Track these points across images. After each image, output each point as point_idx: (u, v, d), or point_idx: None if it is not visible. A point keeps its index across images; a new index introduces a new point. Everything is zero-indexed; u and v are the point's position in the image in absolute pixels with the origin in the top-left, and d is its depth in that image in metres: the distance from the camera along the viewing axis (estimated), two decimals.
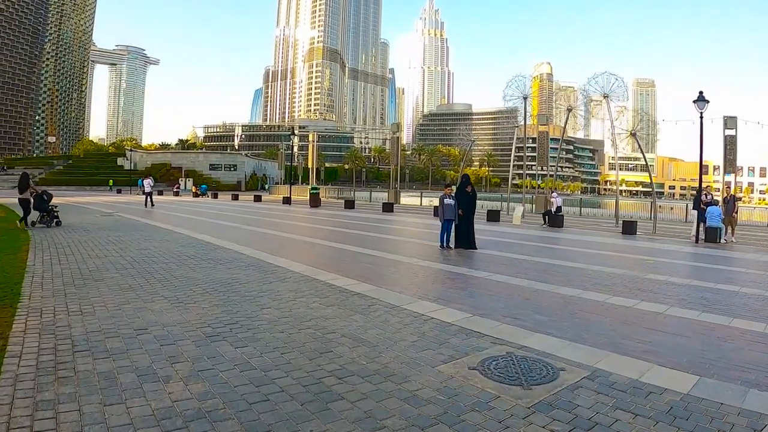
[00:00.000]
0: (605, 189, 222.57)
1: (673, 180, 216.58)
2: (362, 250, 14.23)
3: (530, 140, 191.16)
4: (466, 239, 14.82)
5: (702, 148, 20.99)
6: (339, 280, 9.61)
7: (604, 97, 27.42)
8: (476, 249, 14.53)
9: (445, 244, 14.82)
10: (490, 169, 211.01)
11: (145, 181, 36.67)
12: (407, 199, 51.71)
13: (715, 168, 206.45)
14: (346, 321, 6.55)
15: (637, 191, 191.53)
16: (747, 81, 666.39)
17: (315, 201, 37.49)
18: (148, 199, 33.72)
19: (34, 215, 18.52)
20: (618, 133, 27.77)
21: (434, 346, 5.57)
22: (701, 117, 20.39)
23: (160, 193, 58.82)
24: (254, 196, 46.48)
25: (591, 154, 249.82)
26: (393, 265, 11.86)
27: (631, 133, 27.19)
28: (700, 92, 20.75)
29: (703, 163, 22.83)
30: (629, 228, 21.80)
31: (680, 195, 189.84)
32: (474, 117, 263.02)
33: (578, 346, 5.66)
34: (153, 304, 7.18)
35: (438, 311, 7.17)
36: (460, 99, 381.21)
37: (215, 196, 50.58)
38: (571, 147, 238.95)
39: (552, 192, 27.48)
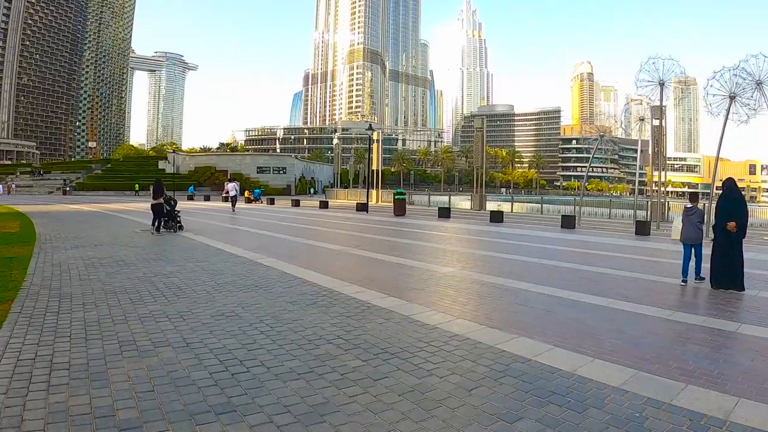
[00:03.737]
0: (654, 191, 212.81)
1: (720, 180, 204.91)
2: (579, 296, 8.94)
3: (574, 140, 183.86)
4: (730, 273, 9.55)
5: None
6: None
7: (731, 97, 20.78)
8: (743, 290, 9.39)
9: (687, 277, 10.15)
10: (539, 171, 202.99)
11: (230, 185, 36.91)
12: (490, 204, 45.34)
13: (763, 168, 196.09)
14: None
15: (683, 192, 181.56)
16: None
17: (401, 208, 31.61)
18: (232, 203, 34.97)
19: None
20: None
21: None
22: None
23: (207, 198, 53.71)
24: (320, 202, 40.85)
25: (636, 155, 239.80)
26: (640, 322, 7.13)
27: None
28: None
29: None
30: None
31: None
32: (516, 118, 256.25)
33: None
34: None
35: None
36: (499, 100, 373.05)
37: (272, 202, 45.16)
38: (616, 147, 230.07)
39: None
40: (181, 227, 19.12)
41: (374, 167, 50.91)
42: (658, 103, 26.81)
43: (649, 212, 31.40)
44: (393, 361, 5.25)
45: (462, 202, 49.06)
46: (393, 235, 19.31)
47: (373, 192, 50.08)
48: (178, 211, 19.53)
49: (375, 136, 49.06)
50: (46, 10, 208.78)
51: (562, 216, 26.01)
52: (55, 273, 10.14)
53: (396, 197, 32.33)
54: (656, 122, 28.15)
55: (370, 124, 36.39)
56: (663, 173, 30.66)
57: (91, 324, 6.49)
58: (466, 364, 5.17)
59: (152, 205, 18.78)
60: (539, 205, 41.50)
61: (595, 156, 35.62)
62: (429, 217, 30.17)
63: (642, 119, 31.64)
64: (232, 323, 6.65)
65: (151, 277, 9.88)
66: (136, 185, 73.21)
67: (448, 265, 12.15)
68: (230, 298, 8.19)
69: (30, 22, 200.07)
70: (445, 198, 50.23)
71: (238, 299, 8.14)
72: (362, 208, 35.23)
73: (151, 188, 19.45)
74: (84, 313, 7.10)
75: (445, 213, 30.94)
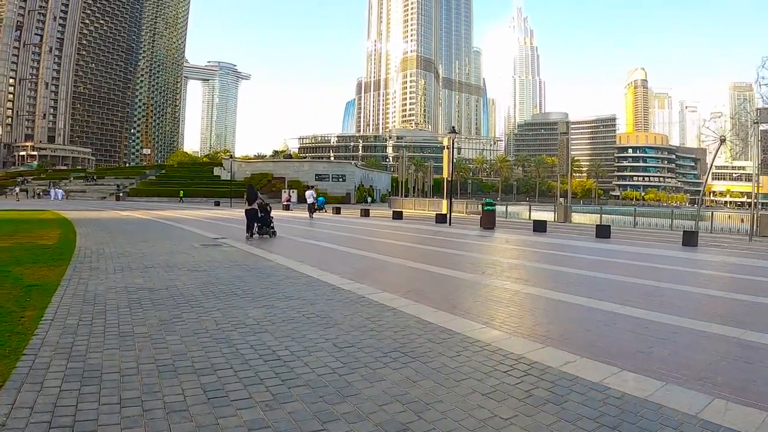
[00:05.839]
0: (712, 201, 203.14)
1: None
2: None
3: (630, 149, 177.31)
4: None
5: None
6: None
7: None
8: None
9: None
10: (598, 180, 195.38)
11: (307, 192, 36.76)
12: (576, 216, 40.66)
13: None
14: None
15: (742, 202, 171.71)
16: None
17: (489, 220, 27.41)
18: (310, 211, 34.99)
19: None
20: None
21: None
22: None
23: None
24: (393, 212, 37.05)
25: (693, 163, 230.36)
26: None
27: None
28: None
29: None
30: None
31: None
32: (571, 126, 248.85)
33: None
34: None
35: None
36: (551, 108, 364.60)
37: (338, 212, 41.55)
38: (673, 156, 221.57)
39: None
40: (274, 233, 19.07)
41: (446, 176, 47.06)
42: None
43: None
44: None
45: (534, 213, 44.37)
46: (523, 258, 15.13)
47: (443, 201, 46.19)
48: (272, 217, 19.36)
49: (446, 142, 45.17)
50: (101, 21, 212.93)
51: (684, 232, 21.69)
52: (84, 318, 6.56)
53: (485, 208, 28.17)
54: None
55: (453, 127, 32.51)
56: None
57: None
58: None
59: (246, 210, 18.75)
60: (632, 217, 36.79)
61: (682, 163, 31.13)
62: (523, 232, 25.89)
63: (723, 139, 28.78)
64: None
65: (230, 330, 6.20)
66: (181, 192, 71.62)
67: (650, 307, 8.05)
68: (382, 388, 4.56)
69: (86, 32, 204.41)
70: (518, 208, 46.21)
71: (404, 393, 4.45)
72: (442, 219, 31.31)
73: (245, 194, 19.31)
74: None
75: (541, 227, 26.63)
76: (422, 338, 6.10)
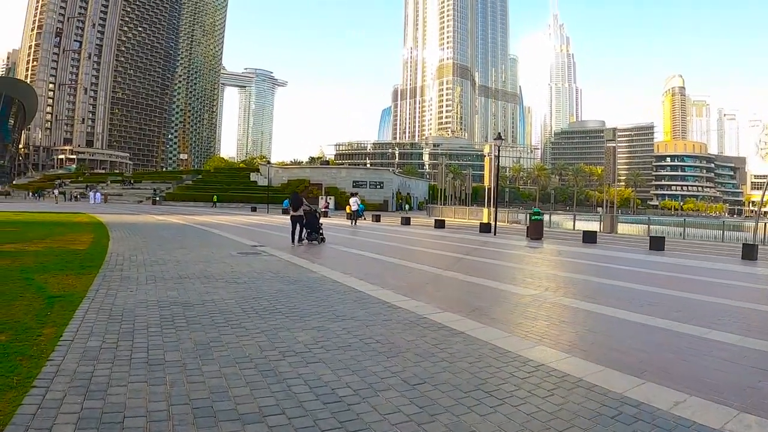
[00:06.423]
0: (752, 211, 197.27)
1: None
2: None
3: (667, 158, 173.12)
4: None
5: None
6: None
7: None
8: None
9: None
10: (635, 190, 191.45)
11: (351, 199, 36.36)
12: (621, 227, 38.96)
13: None
14: None
15: None
16: None
17: (537, 231, 26.04)
18: (353, 219, 34.71)
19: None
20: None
21: None
22: None
23: None
24: (435, 221, 35.98)
25: (732, 172, 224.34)
26: None
27: None
28: None
29: None
30: None
31: None
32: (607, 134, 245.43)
33: None
34: None
35: None
36: (588, 116, 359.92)
37: (377, 219, 40.52)
38: (712, 165, 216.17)
39: None
40: (323, 239, 18.82)
41: (487, 184, 45.83)
42: None
43: None
44: None
45: (579, 223, 42.62)
46: (581, 272, 13.87)
47: (485, 210, 44.94)
48: (321, 224, 19.15)
49: (487, 149, 44.10)
50: (139, 28, 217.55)
51: (744, 245, 20.19)
52: (108, 340, 5.64)
53: (532, 218, 26.79)
54: None
55: (499, 134, 31.27)
56: None
57: None
58: None
59: (291, 217, 18.83)
60: (679, 228, 35.00)
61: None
62: (572, 243, 24.53)
63: None
64: None
65: (277, 360, 5.20)
66: (215, 197, 71.67)
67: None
68: None
69: (124, 39, 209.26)
70: (559, 218, 44.72)
71: None
72: (486, 229, 30.05)
73: (290, 200, 19.39)
74: None
75: (590, 238, 25.15)
76: (503, 371, 5.12)
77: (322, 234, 18.95)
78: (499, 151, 29.86)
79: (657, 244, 22.01)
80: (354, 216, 34.80)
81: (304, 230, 18.70)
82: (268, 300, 8.07)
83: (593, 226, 37.17)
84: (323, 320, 6.86)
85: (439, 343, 6.03)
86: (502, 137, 30.06)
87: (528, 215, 31.38)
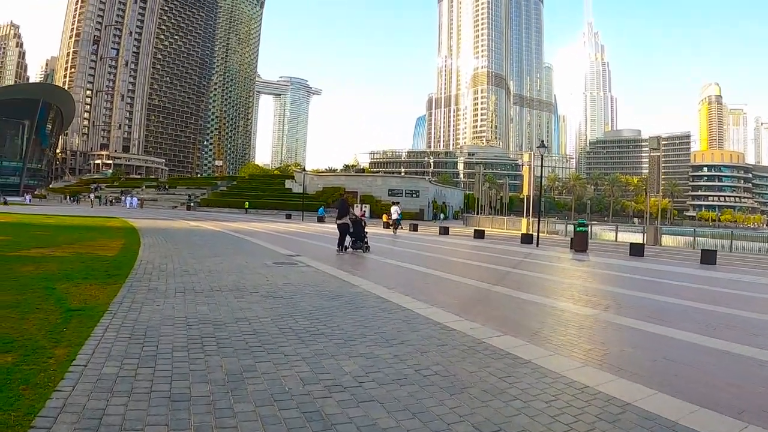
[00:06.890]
0: None
1: None
2: None
3: (704, 167, 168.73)
4: None
5: None
6: None
7: None
8: None
9: None
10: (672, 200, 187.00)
11: (393, 207, 36.85)
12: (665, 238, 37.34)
13: None
14: None
15: None
16: None
17: (582, 243, 24.79)
18: (393, 227, 35.01)
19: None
20: None
21: None
22: None
23: None
24: (474, 231, 35.01)
25: None
26: None
27: None
28: None
29: None
30: None
31: None
32: (643, 144, 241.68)
33: None
34: None
35: None
36: (623, 124, 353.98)
37: (415, 229, 39.60)
38: (749, 175, 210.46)
39: None
40: (368, 248, 18.54)
41: (526, 193, 44.73)
42: None
43: None
44: None
45: (621, 234, 41.12)
46: (637, 288, 12.63)
47: (523, 220, 43.73)
48: (366, 233, 18.89)
49: (526, 158, 43.00)
50: (175, 36, 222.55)
51: None
52: (127, 366, 4.84)
53: (577, 229, 25.54)
54: None
55: (542, 142, 30.04)
56: None
57: None
58: None
59: (338, 225, 18.61)
60: (726, 240, 33.36)
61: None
62: (618, 255, 23.29)
63: None
64: None
65: (322, 396, 4.34)
66: (246, 203, 71.75)
67: None
68: None
69: (160, 47, 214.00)
70: (598, 228, 43.24)
71: None
72: (527, 240, 28.92)
73: (337, 208, 19.41)
74: None
75: (638, 251, 23.84)
76: (587, 414, 4.26)
77: (367, 243, 18.73)
78: (542, 159, 28.65)
79: (708, 257, 20.70)
80: (394, 225, 35.03)
81: (348, 238, 18.50)
82: (308, 318, 7.21)
83: (636, 237, 35.77)
84: (371, 345, 5.98)
85: (507, 375, 5.11)
86: (545, 145, 28.89)
87: (572, 226, 30.17)
